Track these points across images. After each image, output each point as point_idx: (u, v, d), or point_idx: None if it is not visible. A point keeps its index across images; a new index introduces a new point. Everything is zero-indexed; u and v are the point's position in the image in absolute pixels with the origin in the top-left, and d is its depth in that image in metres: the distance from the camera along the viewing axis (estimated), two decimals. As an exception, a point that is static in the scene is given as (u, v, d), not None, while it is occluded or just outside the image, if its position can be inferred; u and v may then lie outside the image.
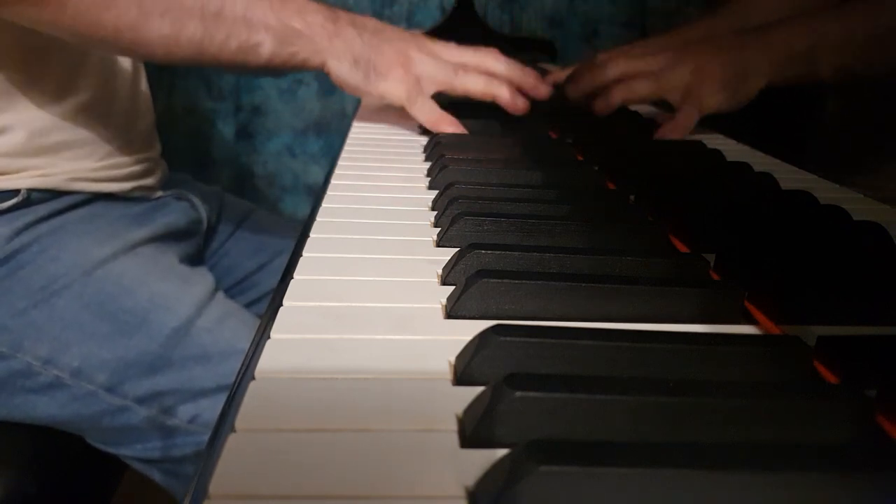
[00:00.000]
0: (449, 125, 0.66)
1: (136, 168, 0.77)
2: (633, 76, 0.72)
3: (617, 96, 0.71)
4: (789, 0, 0.83)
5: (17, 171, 0.68)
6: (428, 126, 0.67)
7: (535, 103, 0.71)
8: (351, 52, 0.63)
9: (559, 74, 0.88)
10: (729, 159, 0.59)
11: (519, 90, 0.69)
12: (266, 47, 0.60)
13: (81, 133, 0.71)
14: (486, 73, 0.68)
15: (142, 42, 0.58)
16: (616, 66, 0.73)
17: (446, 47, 0.69)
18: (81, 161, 0.72)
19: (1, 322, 0.64)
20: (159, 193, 0.80)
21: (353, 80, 0.63)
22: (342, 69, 0.63)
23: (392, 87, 0.64)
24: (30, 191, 0.68)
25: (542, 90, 0.70)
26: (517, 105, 0.68)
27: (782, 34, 0.69)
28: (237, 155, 1.57)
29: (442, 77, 0.66)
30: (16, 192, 0.67)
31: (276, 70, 0.65)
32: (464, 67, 0.67)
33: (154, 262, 0.70)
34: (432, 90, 0.67)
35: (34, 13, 0.57)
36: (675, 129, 0.70)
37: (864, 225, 0.42)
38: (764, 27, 0.70)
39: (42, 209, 0.69)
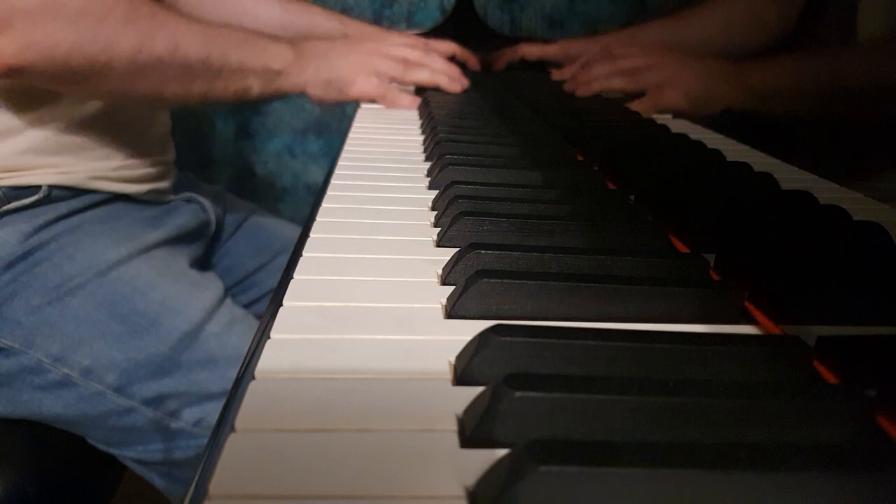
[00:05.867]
0: (410, 102, 0.84)
1: (152, 170, 0.78)
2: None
3: (595, 86, 0.88)
4: (722, 21, 1.01)
5: (39, 168, 0.68)
6: (404, 106, 0.83)
7: (536, 105, 0.74)
8: (322, 77, 0.78)
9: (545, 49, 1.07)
10: (729, 159, 0.59)
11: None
12: (255, 89, 0.74)
13: (101, 133, 0.73)
14: (427, 66, 0.85)
15: (161, 100, 0.71)
16: (603, 66, 0.89)
17: (393, 44, 0.84)
18: (101, 160, 0.73)
19: (15, 318, 0.64)
20: (171, 197, 0.81)
21: (331, 96, 0.79)
22: (318, 91, 0.79)
23: (364, 88, 0.80)
24: (51, 187, 0.69)
25: (456, 87, 0.87)
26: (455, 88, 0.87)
27: (750, 76, 0.82)
28: (237, 155, 1.57)
29: (393, 73, 0.82)
30: (37, 188, 0.68)
31: (265, 101, 0.79)
32: (407, 63, 0.83)
33: (166, 265, 0.71)
34: (388, 81, 0.83)
35: (76, 90, 0.67)
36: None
37: (864, 225, 0.42)
38: (738, 65, 0.83)
39: (62, 207, 0.69)
